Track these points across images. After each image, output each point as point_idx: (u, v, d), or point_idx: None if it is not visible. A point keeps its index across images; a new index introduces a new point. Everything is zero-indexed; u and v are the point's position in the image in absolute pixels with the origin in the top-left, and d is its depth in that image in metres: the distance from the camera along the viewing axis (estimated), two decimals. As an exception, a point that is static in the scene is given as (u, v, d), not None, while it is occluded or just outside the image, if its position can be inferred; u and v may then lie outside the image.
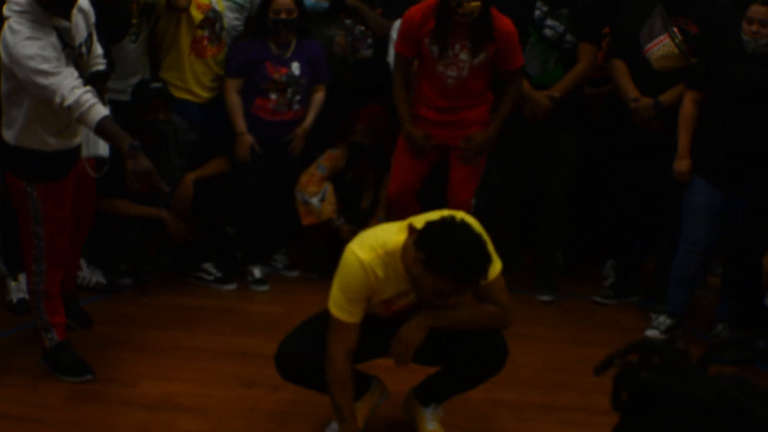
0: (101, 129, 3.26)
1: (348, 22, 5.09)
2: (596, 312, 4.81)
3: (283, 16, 4.68)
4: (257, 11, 4.85)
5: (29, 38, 3.23)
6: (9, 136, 3.49)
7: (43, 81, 3.22)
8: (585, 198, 5.13)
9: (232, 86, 4.80)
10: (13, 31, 3.24)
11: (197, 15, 4.74)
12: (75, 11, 3.44)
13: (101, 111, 3.25)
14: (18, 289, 4.38)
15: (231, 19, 4.93)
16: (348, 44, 5.03)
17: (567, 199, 4.83)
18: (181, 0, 4.60)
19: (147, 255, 5.00)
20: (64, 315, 3.77)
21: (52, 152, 3.52)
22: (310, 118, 4.89)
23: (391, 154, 4.88)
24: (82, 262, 4.62)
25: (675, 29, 4.41)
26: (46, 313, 3.68)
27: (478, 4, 4.05)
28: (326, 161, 4.89)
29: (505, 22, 4.22)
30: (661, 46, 4.45)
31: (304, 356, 3.12)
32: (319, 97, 4.92)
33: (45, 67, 3.22)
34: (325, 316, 3.09)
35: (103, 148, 3.80)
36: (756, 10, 4.02)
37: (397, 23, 4.89)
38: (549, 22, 4.54)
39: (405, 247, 2.93)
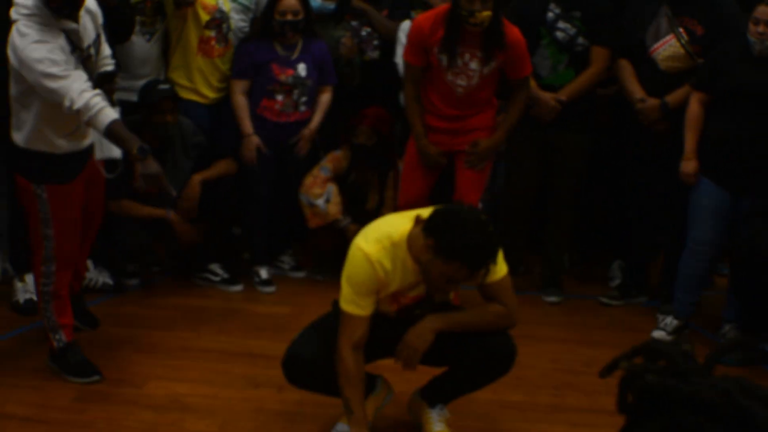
0: (110, 132, 3.26)
1: (354, 23, 5.10)
2: (603, 313, 4.80)
3: (289, 17, 4.69)
4: (263, 13, 4.85)
5: (37, 41, 3.23)
6: (18, 138, 3.50)
7: (52, 84, 3.23)
8: (591, 199, 5.12)
9: (239, 87, 4.81)
10: (21, 34, 3.24)
11: (204, 16, 4.76)
12: (82, 13, 3.44)
13: (110, 114, 3.25)
14: (25, 289, 4.40)
15: (236, 20, 4.93)
16: (354, 45, 5.04)
17: (574, 201, 4.83)
18: None
19: (154, 256, 5.02)
20: (72, 316, 3.77)
21: (62, 154, 3.52)
22: (316, 119, 4.90)
23: (393, 154, 4.89)
24: (89, 263, 4.63)
25: (681, 30, 4.41)
26: (55, 314, 3.68)
27: (489, 13, 4.03)
28: (329, 163, 4.89)
29: (514, 32, 4.20)
30: (667, 47, 4.44)
31: (311, 362, 3.11)
32: (325, 98, 4.93)
33: (54, 70, 3.22)
34: (332, 318, 3.09)
35: (116, 150, 3.82)
36: (762, 11, 4.01)
37: (404, 24, 4.90)
38: (561, 24, 4.54)
39: (412, 236, 2.94)
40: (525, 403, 3.70)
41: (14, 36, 3.27)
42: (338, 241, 4.74)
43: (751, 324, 4.25)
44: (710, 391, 1.09)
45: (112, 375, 3.76)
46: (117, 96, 3.98)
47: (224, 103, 4.91)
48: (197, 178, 4.66)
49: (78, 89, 3.21)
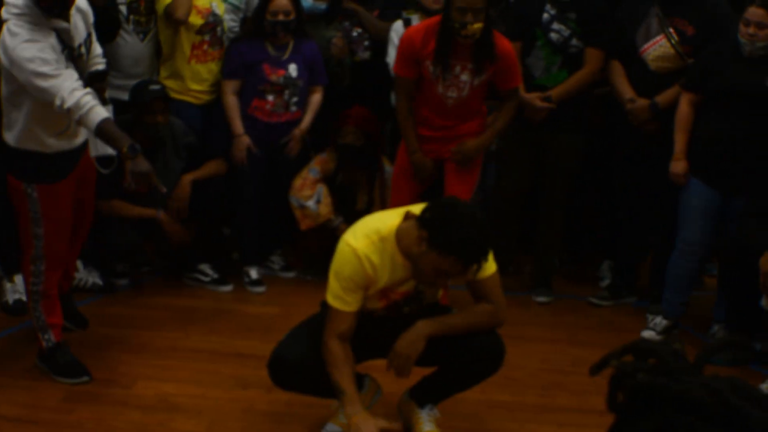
0: (101, 131, 3.27)
1: (345, 24, 5.10)
2: (592, 313, 4.81)
3: (281, 17, 4.69)
4: (254, 13, 4.84)
5: (28, 40, 3.23)
6: (9, 137, 3.50)
7: (43, 83, 3.23)
8: (581, 199, 5.13)
9: (229, 88, 4.81)
10: (12, 33, 3.24)
11: (197, 20, 4.74)
12: (73, 12, 3.44)
13: (101, 113, 3.26)
14: (14, 290, 4.38)
15: (227, 20, 4.93)
16: (345, 46, 5.04)
17: (565, 202, 4.84)
18: (179, 12, 4.61)
19: (143, 256, 5.00)
20: (61, 316, 3.77)
21: (52, 153, 3.52)
22: (307, 119, 4.89)
23: (380, 154, 4.88)
24: (79, 263, 4.62)
25: (671, 30, 4.42)
26: (44, 314, 3.68)
27: (480, 25, 4.03)
28: (317, 164, 4.89)
29: (504, 43, 4.20)
30: (657, 47, 4.45)
31: (296, 364, 3.11)
32: (316, 98, 4.92)
33: (44, 69, 3.22)
34: (320, 319, 3.09)
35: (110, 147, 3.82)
36: (753, 12, 4.02)
37: (396, 25, 4.90)
38: (555, 25, 4.54)
39: (402, 230, 2.94)
40: (513, 403, 3.71)
41: (5, 35, 3.26)
42: (327, 242, 4.73)
43: (741, 324, 4.26)
44: (701, 390, 1.09)
45: (101, 375, 3.76)
46: (109, 95, 3.98)
47: (216, 103, 4.90)
48: (188, 178, 4.65)
49: (69, 88, 3.21)
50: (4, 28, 3.27)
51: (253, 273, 4.95)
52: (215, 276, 4.90)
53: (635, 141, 4.61)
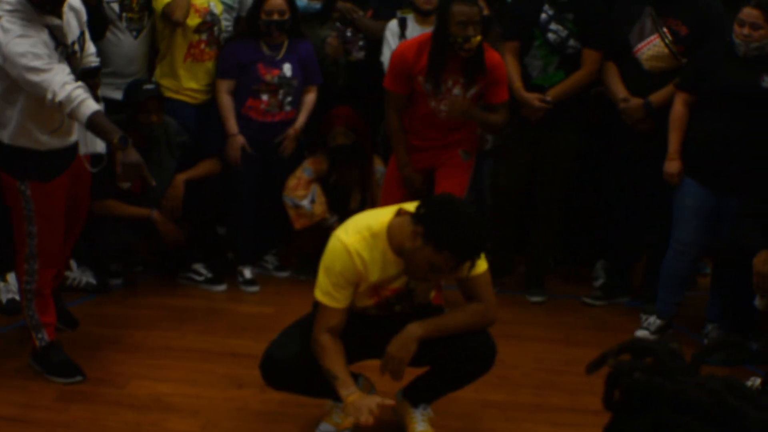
0: (92, 123, 3.27)
1: (338, 25, 5.09)
2: (586, 313, 4.81)
3: (276, 17, 4.68)
4: (249, 12, 4.84)
5: (20, 36, 3.24)
6: (3, 135, 3.49)
7: (35, 78, 3.23)
8: (576, 199, 5.13)
9: (224, 87, 4.80)
10: (4, 29, 3.24)
11: (194, 19, 4.73)
12: (66, 10, 3.45)
13: (92, 106, 3.26)
14: (7, 289, 4.38)
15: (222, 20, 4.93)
16: (340, 45, 5.03)
17: (561, 202, 4.84)
18: (177, 13, 4.60)
19: (137, 256, 5.00)
20: (55, 315, 3.77)
21: (46, 151, 3.52)
22: (301, 119, 4.89)
23: (371, 151, 4.87)
24: (73, 263, 4.62)
25: (665, 30, 4.42)
26: (37, 313, 3.67)
27: (480, 37, 4.04)
28: (311, 164, 4.88)
29: (494, 56, 4.21)
30: (651, 47, 4.46)
31: (288, 364, 3.10)
32: (310, 98, 4.92)
33: (36, 64, 3.23)
34: (311, 319, 3.09)
35: (100, 145, 3.82)
36: (748, 13, 4.02)
37: (391, 24, 4.90)
38: (553, 26, 4.54)
39: (394, 226, 2.95)
40: (507, 402, 3.71)
41: None
42: (322, 241, 4.71)
43: (734, 324, 4.27)
44: (697, 390, 1.09)
45: (95, 375, 3.75)
46: (103, 93, 3.98)
47: (212, 103, 4.90)
48: (181, 178, 4.64)
49: (60, 82, 3.22)
50: None
51: (248, 272, 4.95)
52: (209, 275, 4.90)
53: (632, 141, 4.61)
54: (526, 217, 4.97)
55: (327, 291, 3.00)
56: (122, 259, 4.91)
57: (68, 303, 4.36)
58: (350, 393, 2.97)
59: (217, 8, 4.83)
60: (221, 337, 4.24)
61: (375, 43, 5.05)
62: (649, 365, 1.18)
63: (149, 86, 4.57)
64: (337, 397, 3.30)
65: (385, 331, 3.06)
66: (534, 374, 4.00)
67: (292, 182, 4.83)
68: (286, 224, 4.90)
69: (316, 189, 4.84)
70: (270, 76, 4.75)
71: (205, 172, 4.75)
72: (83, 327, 4.22)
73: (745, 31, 4.04)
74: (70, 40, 3.46)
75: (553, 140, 4.68)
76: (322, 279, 3.02)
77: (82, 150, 3.77)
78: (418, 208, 2.90)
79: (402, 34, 4.88)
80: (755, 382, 3.79)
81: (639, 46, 4.49)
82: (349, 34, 5.09)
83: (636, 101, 4.51)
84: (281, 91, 4.78)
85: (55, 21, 3.36)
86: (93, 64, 3.72)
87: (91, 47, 3.74)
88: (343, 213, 4.75)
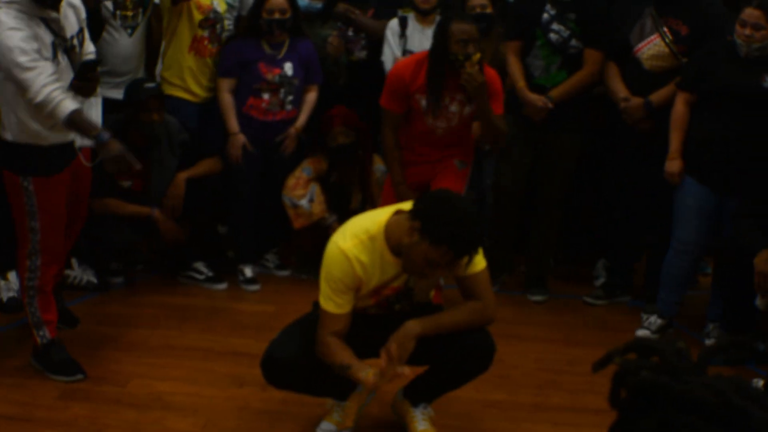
0: (70, 122, 3.29)
1: (340, 24, 5.09)
2: (587, 312, 4.81)
3: (277, 16, 4.68)
4: (250, 11, 4.84)
5: (12, 29, 3.25)
6: (6, 133, 3.50)
7: (19, 74, 3.26)
8: (576, 199, 5.13)
9: (225, 86, 4.80)
10: None
11: (197, 15, 4.74)
12: (65, 5, 3.46)
13: (69, 105, 3.28)
14: (7, 287, 4.37)
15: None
16: (341, 44, 5.03)
17: (562, 201, 4.84)
18: None
19: (138, 254, 5.00)
20: (56, 313, 3.77)
21: (48, 146, 3.53)
22: (302, 118, 4.89)
23: (371, 149, 4.86)
24: (74, 261, 4.62)
25: (665, 29, 4.42)
26: (39, 310, 3.67)
27: (479, 55, 4.03)
28: (310, 164, 4.88)
29: (489, 71, 4.19)
30: (651, 46, 4.46)
31: (289, 363, 3.10)
32: (311, 97, 4.92)
33: (21, 59, 3.24)
34: (312, 318, 3.09)
35: None
36: (750, 13, 4.01)
37: (392, 23, 4.90)
38: (555, 26, 4.54)
39: (392, 223, 2.95)
40: (508, 402, 3.70)
41: None
42: (321, 240, 4.71)
43: (735, 323, 4.27)
44: (703, 390, 1.09)
45: (96, 373, 3.75)
46: (100, 92, 3.96)
47: (214, 102, 4.89)
48: (182, 176, 4.64)
49: (41, 83, 3.25)
50: None
51: (248, 271, 4.95)
52: (210, 274, 4.90)
53: (635, 140, 4.61)
54: (527, 216, 4.96)
55: (328, 296, 3.00)
56: (123, 258, 4.91)
57: (69, 301, 4.37)
58: (368, 372, 2.96)
59: (221, 6, 4.83)
60: (222, 335, 4.24)
61: (377, 42, 5.05)
62: (655, 364, 1.18)
63: (150, 85, 4.57)
64: (338, 396, 3.31)
65: (385, 330, 3.05)
66: (534, 374, 3.99)
67: (291, 182, 4.83)
68: (286, 223, 4.90)
69: (314, 188, 4.84)
70: (271, 74, 4.74)
71: (206, 171, 4.75)
72: (84, 325, 4.22)
73: (747, 31, 4.03)
74: (68, 34, 3.47)
75: (557, 140, 4.67)
76: (323, 285, 3.01)
77: (78, 142, 3.76)
78: (415, 204, 2.90)
79: (403, 33, 4.89)
80: (758, 383, 3.79)
81: (639, 45, 4.48)
82: (350, 33, 5.08)
83: (636, 101, 4.50)
84: (282, 90, 4.78)
85: (53, 14, 3.38)
86: (90, 57, 3.72)
87: (90, 46, 3.74)
88: (344, 212, 4.76)
